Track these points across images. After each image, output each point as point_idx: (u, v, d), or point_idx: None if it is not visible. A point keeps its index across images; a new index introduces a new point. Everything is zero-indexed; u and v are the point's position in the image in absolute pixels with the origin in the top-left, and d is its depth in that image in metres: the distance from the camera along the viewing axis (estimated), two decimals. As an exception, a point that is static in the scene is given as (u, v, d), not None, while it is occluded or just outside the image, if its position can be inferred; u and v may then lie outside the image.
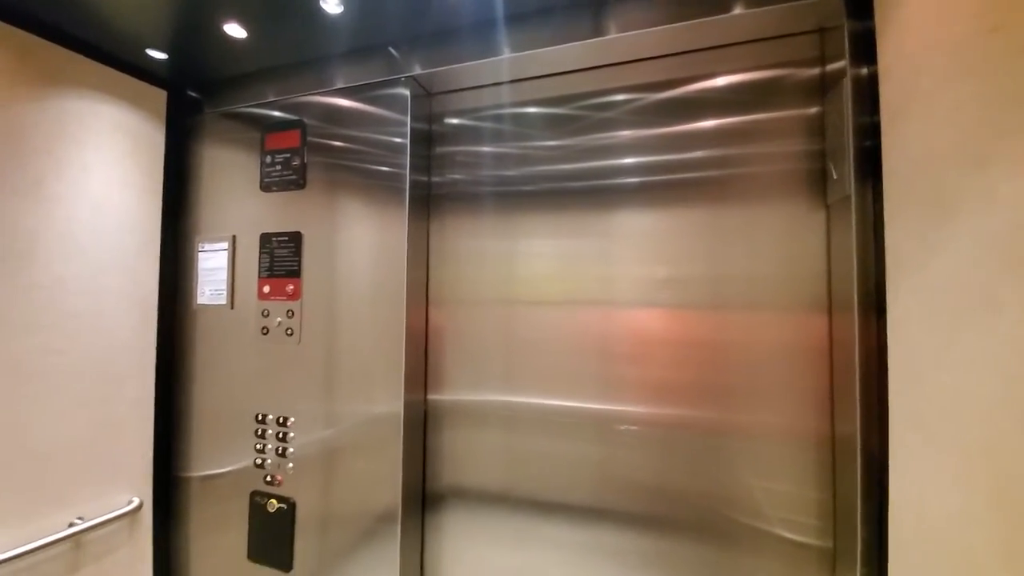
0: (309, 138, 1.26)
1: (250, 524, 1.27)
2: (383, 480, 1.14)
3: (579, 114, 1.14)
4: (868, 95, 0.86)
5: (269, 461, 1.26)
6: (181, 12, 1.08)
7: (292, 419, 1.24)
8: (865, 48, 0.86)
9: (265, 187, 1.30)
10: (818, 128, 0.97)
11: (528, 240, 1.18)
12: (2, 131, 1.03)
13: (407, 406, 1.15)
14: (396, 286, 1.16)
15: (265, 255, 1.29)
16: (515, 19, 1.08)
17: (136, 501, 1.26)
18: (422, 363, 1.23)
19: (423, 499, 1.22)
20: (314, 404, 1.22)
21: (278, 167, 1.28)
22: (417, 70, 1.16)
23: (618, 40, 1.02)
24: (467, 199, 1.24)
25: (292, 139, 1.27)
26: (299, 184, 1.26)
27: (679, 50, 1.06)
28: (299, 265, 1.25)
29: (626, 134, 1.10)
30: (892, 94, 0.80)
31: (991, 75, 0.59)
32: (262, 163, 1.31)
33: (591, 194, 1.13)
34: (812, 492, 0.94)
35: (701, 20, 0.95)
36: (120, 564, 1.24)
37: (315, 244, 1.24)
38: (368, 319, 1.19)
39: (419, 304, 1.22)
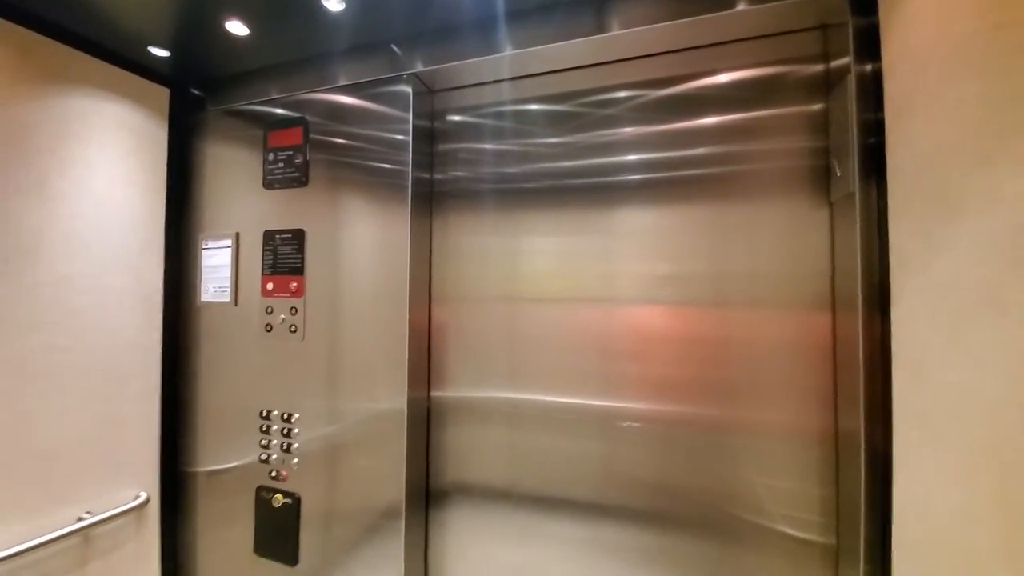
0: (312, 135, 1.26)
1: (256, 519, 1.28)
2: (387, 476, 1.15)
3: (581, 111, 1.14)
4: (872, 92, 0.85)
5: (274, 457, 1.27)
6: (183, 9, 1.08)
7: (296, 415, 1.25)
8: (869, 45, 0.85)
9: (268, 184, 1.30)
10: (822, 125, 0.97)
11: (530, 237, 1.18)
12: (6, 129, 1.03)
13: (410, 403, 1.15)
14: (399, 283, 1.16)
15: (268, 252, 1.30)
16: (517, 16, 1.07)
17: (143, 496, 1.28)
18: (425, 360, 1.24)
19: (427, 495, 1.23)
20: (318, 400, 1.23)
21: (281, 164, 1.28)
22: (419, 67, 1.16)
23: (620, 37, 1.02)
24: (469, 196, 1.24)
25: (295, 136, 1.27)
26: (302, 181, 1.26)
27: (681, 47, 1.05)
28: (302, 262, 1.26)
29: (628, 131, 1.10)
30: (896, 91, 0.79)
31: (995, 73, 0.59)
32: (265, 160, 1.31)
33: (593, 191, 1.13)
34: (815, 489, 0.95)
35: (704, 16, 0.95)
36: (128, 558, 1.26)
37: (318, 241, 1.25)
38: (371, 316, 1.19)
39: (422, 301, 1.22)
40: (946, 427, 0.67)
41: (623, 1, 1.00)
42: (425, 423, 1.23)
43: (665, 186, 1.08)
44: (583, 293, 1.12)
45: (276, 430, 1.27)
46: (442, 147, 1.27)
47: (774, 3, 0.91)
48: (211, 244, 1.38)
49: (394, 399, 1.16)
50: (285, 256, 1.28)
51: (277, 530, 1.25)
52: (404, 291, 1.16)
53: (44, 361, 1.09)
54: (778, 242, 0.99)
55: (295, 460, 1.24)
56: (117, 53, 1.23)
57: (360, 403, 1.19)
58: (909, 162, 0.76)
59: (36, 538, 1.04)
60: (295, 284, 1.26)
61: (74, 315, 1.15)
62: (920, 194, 0.73)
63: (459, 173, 1.25)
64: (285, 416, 1.26)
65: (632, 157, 1.10)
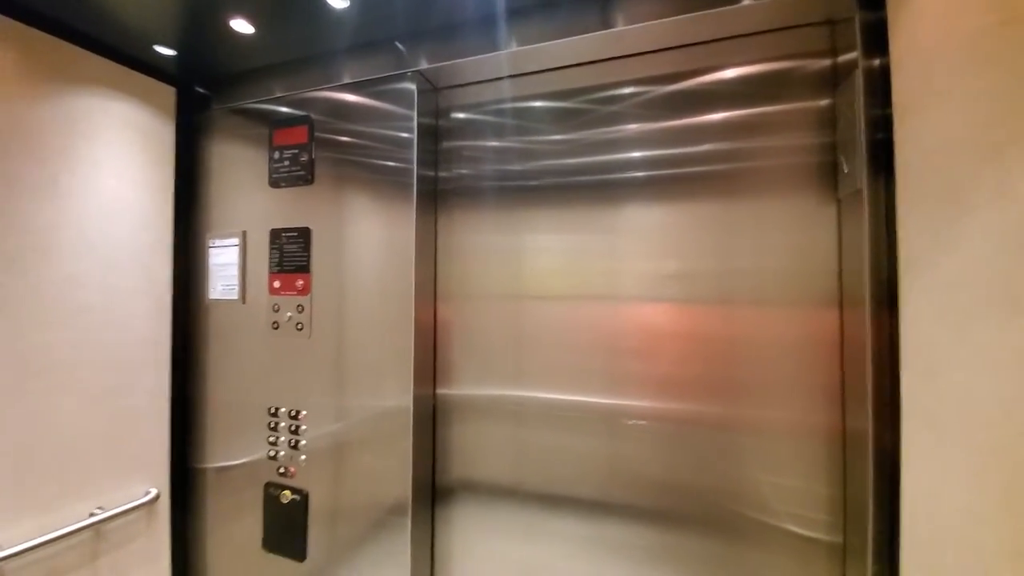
0: (317, 133, 1.26)
1: (264, 515, 1.29)
2: (394, 473, 1.16)
3: (586, 108, 1.14)
4: (880, 87, 0.84)
5: (282, 453, 1.28)
6: (189, 8, 1.08)
7: (304, 412, 1.26)
8: (877, 39, 0.84)
9: (274, 183, 1.31)
10: (829, 121, 0.96)
11: (535, 235, 1.18)
12: (15, 128, 1.04)
13: (416, 400, 1.16)
14: (404, 281, 1.17)
15: (275, 250, 1.30)
16: (522, 12, 1.07)
17: (153, 492, 1.29)
18: (431, 357, 1.24)
19: (433, 492, 1.24)
20: (325, 398, 1.24)
21: (286, 163, 1.29)
22: (423, 65, 1.16)
23: (626, 32, 1.01)
24: (474, 194, 1.24)
25: (300, 135, 1.27)
26: (307, 180, 1.27)
27: (687, 42, 1.04)
28: (308, 260, 1.26)
29: (633, 128, 1.10)
30: (905, 86, 0.78)
31: (1004, 68, 0.58)
32: (270, 159, 1.31)
33: (598, 188, 1.12)
34: (822, 487, 0.94)
35: (710, 11, 0.94)
36: (138, 553, 1.28)
37: (324, 239, 1.25)
38: (377, 313, 1.19)
39: (427, 299, 1.23)
40: (955, 426, 0.66)
41: (628, -3, 1.00)
42: (431, 421, 1.24)
43: (671, 183, 1.07)
44: (588, 291, 1.12)
45: (284, 427, 1.28)
46: (447, 144, 1.27)
47: (781, -3, 0.90)
48: (218, 242, 1.38)
49: (400, 397, 1.16)
50: (291, 254, 1.28)
51: (285, 526, 1.26)
52: (409, 289, 1.16)
53: (56, 358, 1.10)
54: (785, 239, 0.98)
55: (303, 457, 1.25)
56: (124, 52, 1.24)
57: (366, 400, 1.20)
58: (918, 158, 0.75)
59: (49, 533, 1.06)
60: (301, 282, 1.27)
61: (84, 313, 1.16)
62: (929, 190, 0.72)
63: (464, 171, 1.25)
64: (293, 413, 1.27)
65: (637, 154, 1.09)
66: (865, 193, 0.84)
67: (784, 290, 0.98)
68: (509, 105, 1.21)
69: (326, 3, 1.04)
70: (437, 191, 1.26)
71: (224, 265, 1.37)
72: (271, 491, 1.28)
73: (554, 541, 1.13)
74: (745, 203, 1.01)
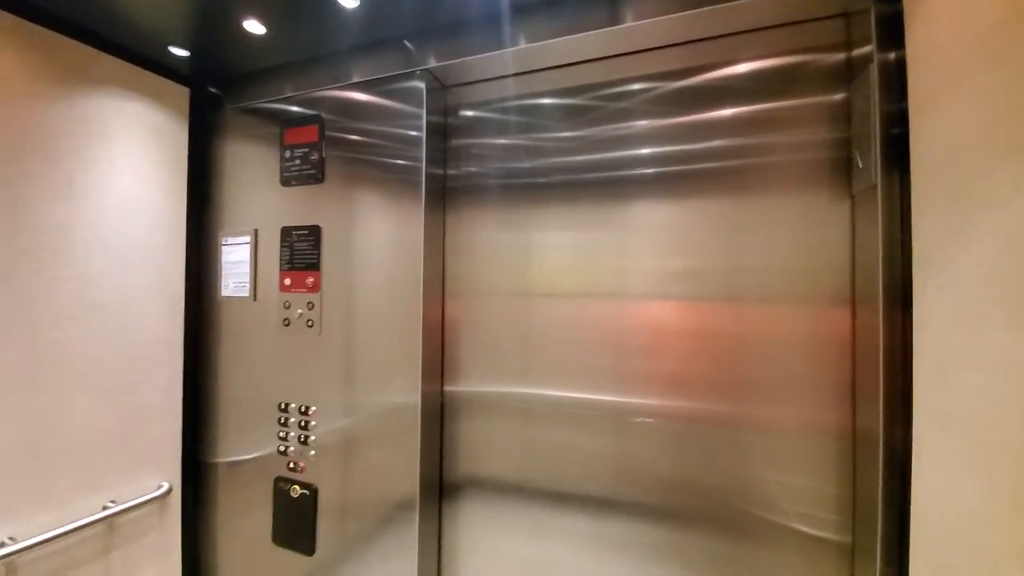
0: (327, 132, 1.27)
1: (274, 509, 1.31)
2: (401, 469, 1.16)
3: (595, 104, 1.13)
4: (895, 81, 0.83)
5: (292, 448, 1.29)
6: (202, 9, 1.09)
7: (314, 408, 1.27)
8: (893, 33, 0.83)
9: (285, 181, 1.32)
10: (843, 115, 0.94)
11: (543, 232, 1.17)
12: (32, 129, 1.06)
13: (424, 397, 1.16)
14: (413, 278, 1.17)
15: (286, 248, 1.32)
16: (529, 9, 1.06)
17: (166, 486, 1.31)
18: (439, 355, 1.24)
19: (440, 488, 1.24)
20: (335, 394, 1.25)
21: (297, 161, 1.30)
22: (432, 63, 1.16)
23: (635, 28, 1.00)
24: (482, 191, 1.24)
25: (310, 134, 1.28)
26: (318, 178, 1.28)
27: (698, 37, 1.03)
28: (318, 258, 1.27)
29: (643, 124, 1.09)
30: (921, 80, 0.77)
31: (1022, 63, 0.57)
32: (281, 158, 1.33)
33: (607, 185, 1.12)
34: (831, 487, 0.93)
35: (720, 6, 0.93)
36: (150, 546, 1.30)
37: (334, 237, 1.26)
38: (386, 311, 1.20)
39: (435, 296, 1.23)
40: (966, 426, 0.65)
41: (637, -8, 0.99)
42: (439, 417, 1.24)
43: (680, 180, 1.06)
44: (597, 288, 1.12)
45: (294, 423, 1.29)
46: (455, 143, 1.27)
47: (793, -9, 0.88)
48: (230, 240, 1.40)
49: (408, 393, 1.17)
50: (302, 252, 1.29)
51: (295, 520, 1.27)
52: (418, 286, 1.16)
53: (70, 355, 1.12)
54: (797, 236, 0.97)
55: (312, 452, 1.26)
56: (138, 53, 1.26)
57: (375, 397, 1.21)
58: (933, 153, 0.74)
59: (63, 526, 1.08)
60: (312, 279, 1.28)
61: (98, 311, 1.18)
62: (944, 187, 0.71)
63: (472, 168, 1.25)
64: (303, 409, 1.28)
65: (647, 151, 1.08)
66: (879, 189, 0.82)
67: (795, 287, 0.96)
68: (517, 102, 1.20)
69: (337, 3, 1.05)
70: (446, 189, 1.27)
71: (236, 263, 1.39)
72: (281, 486, 1.29)
73: (561, 538, 1.13)
74: (757, 199, 1.00)
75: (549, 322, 1.16)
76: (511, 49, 1.09)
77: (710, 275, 1.03)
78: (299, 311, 1.29)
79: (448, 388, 1.25)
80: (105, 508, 1.17)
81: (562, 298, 1.15)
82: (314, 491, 1.25)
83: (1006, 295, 0.59)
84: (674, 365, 1.05)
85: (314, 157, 1.28)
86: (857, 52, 0.91)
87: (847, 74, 0.94)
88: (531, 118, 1.19)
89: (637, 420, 1.07)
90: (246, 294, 1.37)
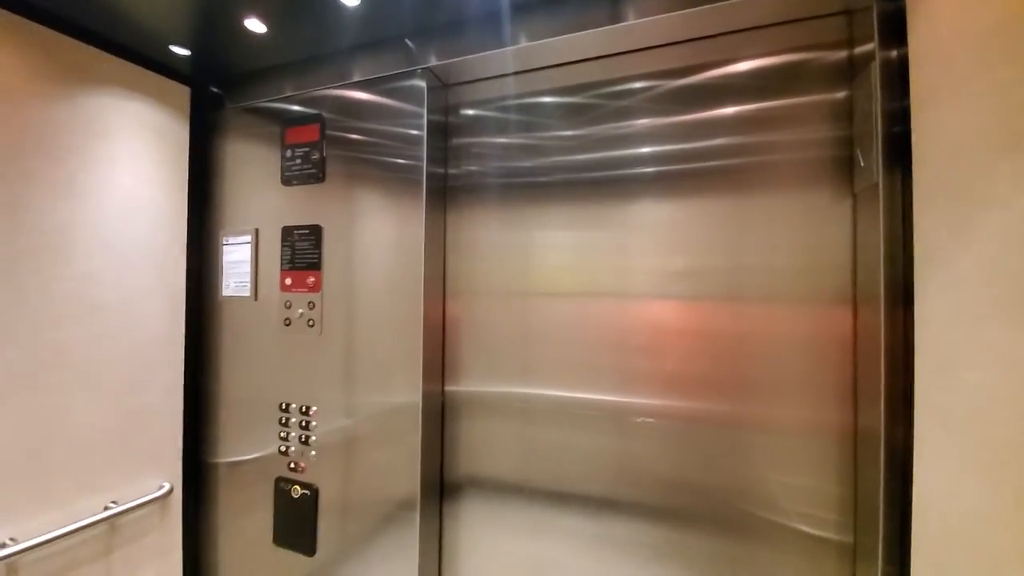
0: (328, 132, 1.27)
1: (275, 509, 1.31)
2: (402, 469, 1.16)
3: (596, 103, 1.13)
4: (898, 79, 0.82)
5: (293, 448, 1.29)
6: (203, 8, 1.09)
7: (314, 408, 1.27)
8: (895, 30, 0.83)
9: (286, 181, 1.32)
10: (845, 114, 0.94)
11: (544, 231, 1.17)
12: (33, 128, 1.06)
13: (425, 397, 1.16)
14: (414, 278, 1.17)
15: (287, 248, 1.32)
16: (530, 7, 1.06)
17: (167, 486, 1.31)
18: (439, 354, 1.24)
19: (441, 488, 1.24)
20: (336, 394, 1.25)
21: (298, 161, 1.30)
22: (433, 61, 1.16)
23: (636, 26, 1.00)
24: (483, 190, 1.24)
25: (311, 133, 1.28)
26: (318, 177, 1.27)
27: (699, 35, 1.03)
28: (319, 258, 1.27)
29: (644, 123, 1.08)
30: (923, 78, 0.77)
31: (1026, 59, 0.57)
32: (282, 157, 1.33)
33: (608, 184, 1.12)
34: (832, 486, 0.93)
35: (722, 4, 0.92)
36: (151, 546, 1.30)
37: (335, 237, 1.26)
38: (387, 310, 1.20)
39: (436, 296, 1.23)
40: (968, 425, 0.65)
41: (638, -10, 0.99)
42: (439, 417, 1.24)
43: (681, 179, 1.06)
44: (597, 288, 1.12)
45: (295, 422, 1.29)
46: (456, 141, 1.27)
47: (795, -11, 0.88)
48: (231, 240, 1.40)
49: (409, 393, 1.17)
50: (303, 252, 1.29)
51: (295, 520, 1.27)
52: (419, 286, 1.16)
53: (71, 355, 1.12)
54: (798, 235, 0.96)
55: (313, 452, 1.26)
56: (139, 53, 1.26)
57: (376, 397, 1.21)
58: (936, 152, 0.73)
59: (65, 526, 1.08)
60: (312, 279, 1.28)
61: (99, 310, 1.18)
62: (946, 185, 0.71)
63: (473, 168, 1.25)
64: (303, 409, 1.28)
65: (648, 149, 1.08)
66: (881, 187, 0.82)
67: (797, 286, 0.96)
68: (518, 101, 1.20)
69: (338, 1, 1.05)
70: (446, 188, 1.27)
71: (237, 262, 1.39)
72: (282, 486, 1.29)
73: (561, 538, 1.12)
74: (758, 198, 1.00)
75: (550, 322, 1.16)
76: (512, 47, 1.09)
77: (711, 274, 1.02)
78: (300, 311, 1.29)
79: (449, 388, 1.25)
80: (106, 508, 1.17)
81: (563, 297, 1.15)
82: (315, 491, 1.25)
83: (1008, 294, 0.59)
84: (675, 365, 1.05)
85: (315, 156, 1.28)
86: (859, 50, 0.91)
87: (849, 72, 0.94)
88: (532, 117, 1.19)
89: (638, 420, 1.07)
90: (247, 294, 1.37)
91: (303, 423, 1.28)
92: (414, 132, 1.18)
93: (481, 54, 1.12)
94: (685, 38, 1.04)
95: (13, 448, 1.02)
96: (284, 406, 1.31)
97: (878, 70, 0.83)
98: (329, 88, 1.27)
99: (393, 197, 1.20)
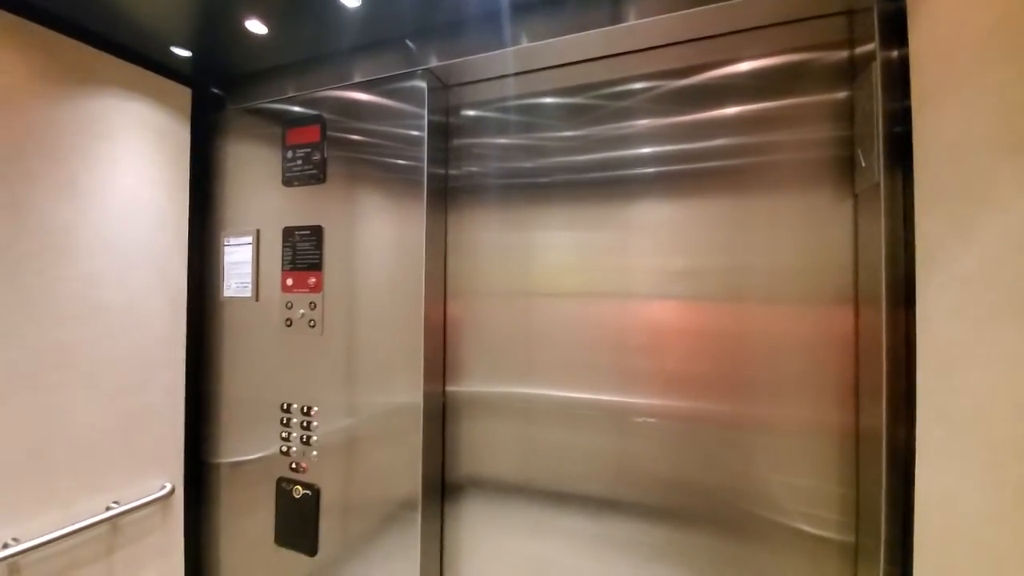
0: (329, 132, 1.27)
1: (277, 509, 1.31)
2: (404, 469, 1.16)
3: (597, 103, 1.13)
4: (899, 79, 0.82)
5: (294, 449, 1.29)
6: (204, 9, 1.09)
7: (316, 408, 1.27)
8: (896, 30, 0.83)
9: (287, 181, 1.32)
10: (846, 114, 0.94)
11: (545, 232, 1.17)
12: (36, 128, 1.06)
13: (426, 397, 1.16)
14: (415, 278, 1.17)
15: (288, 248, 1.32)
16: (531, 7, 1.06)
17: (168, 486, 1.31)
18: (440, 355, 1.24)
19: (443, 488, 1.24)
20: (337, 394, 1.25)
21: (299, 162, 1.30)
22: (434, 62, 1.16)
23: (637, 27, 1.00)
24: (484, 191, 1.24)
25: (312, 134, 1.28)
26: (319, 178, 1.28)
27: (700, 35, 1.03)
28: (320, 258, 1.27)
29: (644, 123, 1.08)
30: (924, 78, 0.77)
31: (1029, 58, 0.57)
32: (283, 158, 1.33)
33: (609, 185, 1.12)
34: (833, 486, 0.93)
35: (723, 4, 0.92)
36: (153, 546, 1.30)
37: (336, 237, 1.26)
38: (388, 311, 1.20)
39: (437, 296, 1.23)
40: (970, 425, 0.65)
41: (639, -10, 0.99)
42: (441, 417, 1.24)
43: (682, 179, 1.06)
44: (598, 288, 1.12)
45: (296, 423, 1.29)
46: (457, 142, 1.27)
47: (796, -11, 0.88)
48: (232, 241, 1.40)
49: (410, 393, 1.17)
50: (304, 252, 1.30)
51: (297, 521, 1.27)
52: (420, 286, 1.16)
53: (73, 355, 1.13)
54: (800, 235, 0.96)
55: (314, 452, 1.26)
56: (140, 54, 1.26)
57: (377, 397, 1.21)
58: (937, 152, 0.73)
59: (67, 526, 1.08)
60: (314, 280, 1.28)
61: (101, 311, 1.18)
62: (948, 185, 0.71)
63: (474, 168, 1.25)
64: (305, 409, 1.28)
65: (648, 150, 1.08)
66: (882, 187, 0.82)
67: (798, 286, 0.96)
68: (519, 102, 1.20)
69: (338, 2, 1.05)
70: (447, 189, 1.27)
71: (238, 263, 1.39)
72: (283, 486, 1.29)
73: (562, 538, 1.13)
74: (759, 199, 1.00)
75: (551, 322, 1.16)
76: (512, 48, 1.09)
77: (712, 274, 1.02)
78: (301, 311, 1.29)
79: (450, 388, 1.25)
80: (108, 509, 1.17)
81: (564, 298, 1.15)
82: (316, 491, 1.25)
83: (1009, 293, 0.59)
84: (676, 365, 1.05)
85: (316, 157, 1.28)
86: (860, 50, 0.91)
87: (850, 72, 0.94)
88: (533, 117, 1.19)
89: (639, 420, 1.07)
90: (248, 294, 1.37)
91: (304, 423, 1.28)
92: (415, 133, 1.18)
93: (482, 55, 1.12)
94: (686, 38, 1.04)
95: (15, 448, 1.02)
96: (285, 406, 1.31)
97: (879, 70, 0.83)
98: (330, 89, 1.28)
99: (394, 198, 1.20)
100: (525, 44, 1.08)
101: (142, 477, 1.27)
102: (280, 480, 1.30)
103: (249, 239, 1.37)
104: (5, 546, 0.99)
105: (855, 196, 0.92)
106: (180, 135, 1.37)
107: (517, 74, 1.19)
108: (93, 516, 1.13)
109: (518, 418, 1.18)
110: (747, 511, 0.98)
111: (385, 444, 1.19)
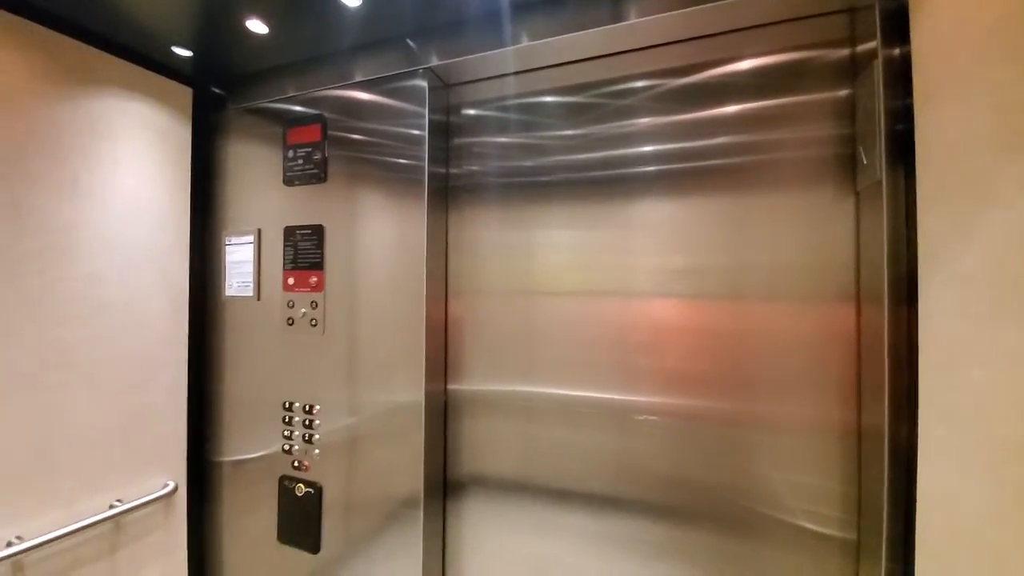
0: (329, 132, 1.27)
1: (279, 508, 1.31)
2: (406, 467, 1.17)
3: (598, 102, 1.13)
4: (900, 77, 0.82)
5: (296, 447, 1.30)
6: (205, 9, 1.09)
7: (318, 407, 1.27)
8: (897, 27, 0.82)
9: (288, 181, 1.32)
10: (847, 112, 0.94)
11: (546, 231, 1.17)
12: (38, 128, 1.06)
13: (428, 396, 1.16)
14: (416, 277, 1.17)
15: (289, 248, 1.32)
16: (531, 6, 1.06)
17: (171, 485, 1.32)
18: (442, 353, 1.24)
19: (444, 486, 1.24)
20: (339, 393, 1.25)
21: (300, 161, 1.30)
22: (434, 61, 1.16)
23: (637, 25, 1.00)
24: (485, 190, 1.24)
25: (313, 133, 1.28)
26: (320, 178, 1.28)
27: (701, 33, 1.03)
28: (322, 257, 1.27)
29: (646, 121, 1.08)
30: (926, 76, 0.77)
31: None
32: (285, 157, 1.33)
33: (610, 183, 1.12)
34: (835, 484, 0.93)
35: (724, 2, 0.92)
36: (156, 544, 1.30)
37: (337, 237, 1.26)
38: (389, 310, 1.20)
39: (438, 295, 1.23)
40: (973, 423, 0.65)
41: (640, -12, 0.99)
42: (442, 416, 1.24)
43: (684, 177, 1.06)
44: (599, 286, 1.12)
45: (298, 421, 1.30)
46: (457, 141, 1.27)
47: (797, -13, 0.88)
48: (234, 240, 1.40)
49: (412, 392, 1.17)
50: (305, 251, 1.30)
51: (300, 518, 1.28)
52: (421, 285, 1.16)
53: (76, 355, 1.13)
54: (801, 233, 0.96)
55: (317, 451, 1.27)
56: (141, 54, 1.26)
57: (379, 395, 1.21)
58: (939, 149, 0.73)
59: (70, 525, 1.08)
60: (315, 279, 1.28)
61: (103, 310, 1.19)
62: (950, 183, 0.70)
63: (474, 167, 1.25)
64: (307, 408, 1.29)
65: (649, 148, 1.08)
66: (884, 185, 0.82)
67: (799, 284, 0.96)
68: (520, 100, 1.20)
69: (339, 2, 1.05)
70: (448, 188, 1.27)
71: (239, 263, 1.39)
72: (286, 484, 1.30)
73: (564, 536, 1.13)
74: (760, 197, 0.99)
75: (552, 320, 1.16)
76: (513, 47, 1.09)
77: (714, 273, 1.02)
78: (303, 310, 1.30)
79: (451, 386, 1.25)
80: (111, 507, 1.18)
81: (565, 296, 1.15)
82: (319, 489, 1.26)
83: (1011, 291, 0.59)
84: (677, 363, 1.05)
85: (317, 157, 1.28)
86: (861, 48, 0.91)
87: (851, 70, 0.93)
88: (533, 116, 1.19)
89: (640, 418, 1.07)
90: (250, 293, 1.37)
91: (306, 422, 1.28)
92: (416, 132, 1.18)
93: (482, 54, 1.12)
94: (687, 37, 1.04)
95: (18, 447, 1.03)
96: (287, 405, 1.31)
97: (881, 68, 0.83)
98: (331, 88, 1.28)
99: (395, 197, 1.20)
100: (526, 43, 1.08)
101: (145, 476, 1.28)
102: (283, 478, 1.31)
103: (250, 238, 1.37)
104: (9, 545, 1.00)
105: (857, 194, 0.92)
106: (181, 135, 1.38)
107: (518, 73, 1.19)
108: (96, 514, 1.14)
109: (520, 416, 1.18)
110: (749, 509, 0.99)
111: (387, 442, 1.19)
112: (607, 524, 1.09)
